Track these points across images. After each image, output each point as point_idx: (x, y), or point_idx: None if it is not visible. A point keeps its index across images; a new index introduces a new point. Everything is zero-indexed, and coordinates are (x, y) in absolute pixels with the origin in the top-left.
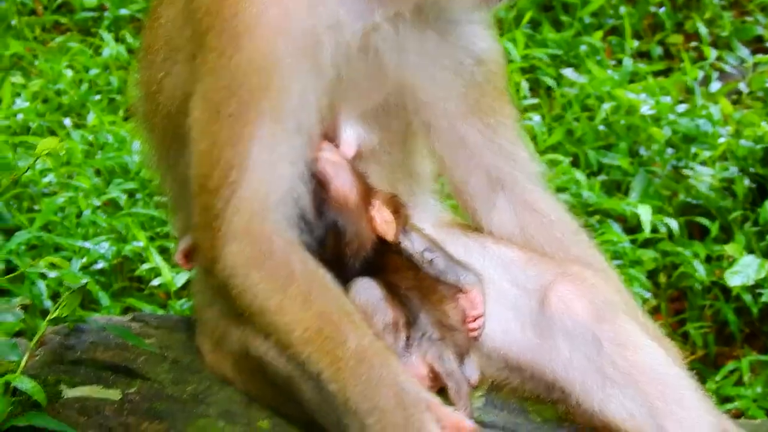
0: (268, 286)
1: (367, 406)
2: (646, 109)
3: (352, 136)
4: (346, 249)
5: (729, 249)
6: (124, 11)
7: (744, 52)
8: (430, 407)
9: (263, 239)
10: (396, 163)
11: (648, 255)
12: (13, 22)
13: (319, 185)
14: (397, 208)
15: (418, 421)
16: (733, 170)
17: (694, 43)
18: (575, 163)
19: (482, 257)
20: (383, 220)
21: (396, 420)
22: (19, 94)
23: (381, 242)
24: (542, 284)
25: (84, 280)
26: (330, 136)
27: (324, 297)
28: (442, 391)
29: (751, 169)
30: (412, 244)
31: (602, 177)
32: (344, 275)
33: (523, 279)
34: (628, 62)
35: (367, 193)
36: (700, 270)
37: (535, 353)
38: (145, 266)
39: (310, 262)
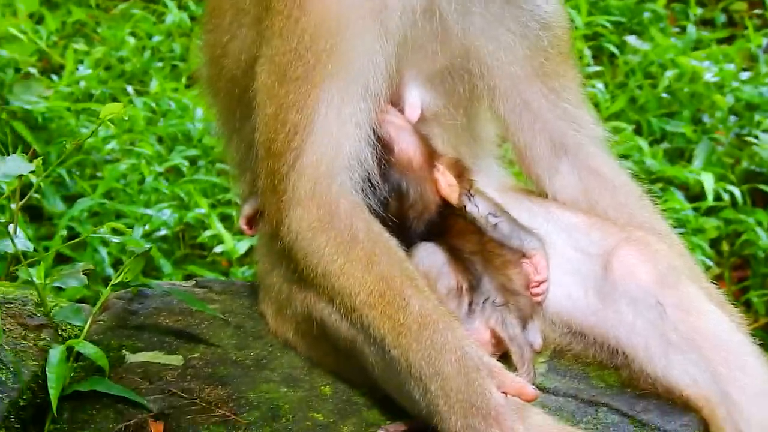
0: (332, 249)
1: (429, 372)
2: (709, 77)
3: (416, 99)
4: (409, 212)
5: None
6: None
7: None
8: (493, 373)
9: (328, 202)
10: (460, 127)
11: (711, 223)
12: None
13: (383, 149)
14: (460, 171)
15: (480, 387)
16: None
17: (758, 11)
18: (638, 131)
19: (546, 222)
20: (447, 184)
21: (458, 385)
22: (81, 61)
23: (445, 206)
24: (606, 249)
25: (147, 245)
26: (394, 100)
27: (387, 261)
28: (505, 357)
29: None
30: (477, 208)
31: (665, 144)
32: (408, 239)
33: (586, 244)
34: (691, 29)
35: (431, 157)
36: (764, 238)
37: (599, 318)
38: (207, 233)
39: (374, 226)
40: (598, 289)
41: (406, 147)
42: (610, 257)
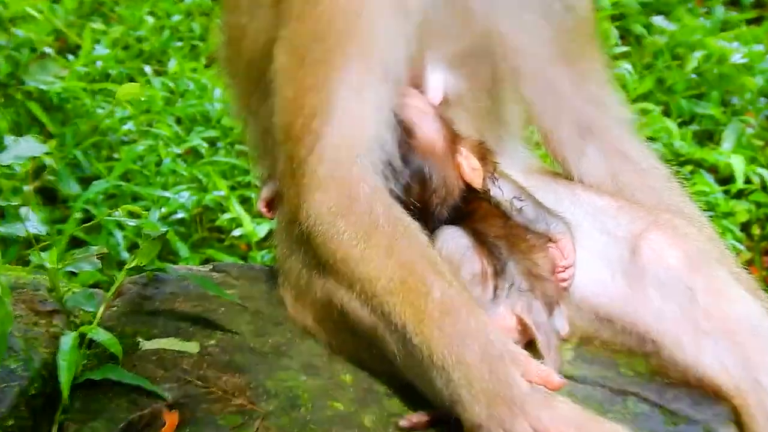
0: (351, 234)
1: (452, 360)
2: (737, 58)
3: (438, 82)
4: (432, 198)
5: None
6: None
7: None
8: (517, 361)
9: (348, 186)
10: (483, 110)
11: (741, 206)
12: None
13: (405, 132)
14: (484, 154)
15: (505, 375)
16: None
17: None
18: (666, 113)
19: (572, 205)
20: (470, 168)
21: (481, 374)
22: (98, 41)
23: (468, 190)
24: (634, 233)
25: (164, 229)
26: (416, 83)
27: (408, 246)
28: (530, 344)
29: None
30: (501, 192)
31: (694, 126)
32: (430, 224)
33: (614, 227)
34: (719, 10)
35: (454, 140)
36: None
37: (627, 304)
38: (226, 216)
39: (394, 210)
40: (626, 274)
41: (428, 132)
42: (638, 241)
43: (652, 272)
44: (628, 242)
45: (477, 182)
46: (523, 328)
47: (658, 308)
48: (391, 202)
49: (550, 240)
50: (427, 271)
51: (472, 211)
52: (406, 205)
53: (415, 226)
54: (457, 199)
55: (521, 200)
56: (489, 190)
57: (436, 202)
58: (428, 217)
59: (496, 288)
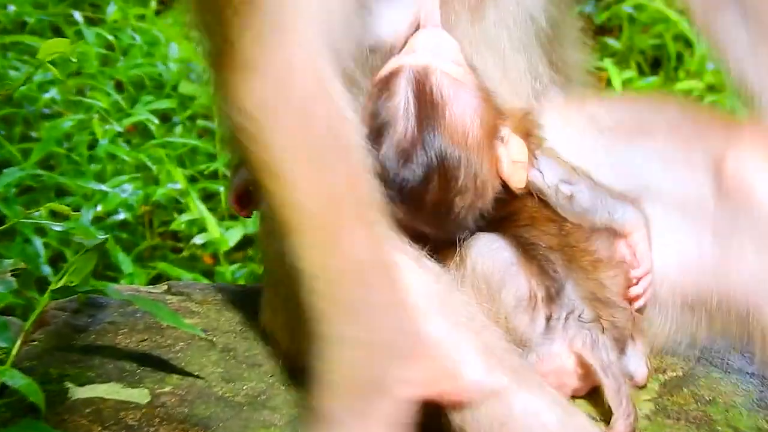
0: (282, 140)
1: None
2: None
3: None
4: (456, 199)
5: None
6: None
7: None
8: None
9: (288, 70)
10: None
11: None
12: None
13: (431, 109)
14: (529, 130)
15: None
16: None
17: None
18: None
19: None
20: (511, 161)
21: None
22: None
23: (506, 189)
24: (714, 153)
25: (101, 235)
26: None
27: (340, 165)
28: (595, 392)
29: None
30: (542, 175)
31: None
32: (455, 230)
33: (685, 155)
34: None
35: (495, 124)
36: None
37: (718, 269)
38: (185, 217)
39: (341, 117)
40: (714, 225)
41: (463, 111)
42: (720, 164)
43: (740, 204)
44: (709, 171)
45: (516, 181)
46: (585, 371)
47: (752, 266)
48: (342, 106)
49: (616, 233)
50: (347, 207)
51: (514, 212)
52: (423, 202)
53: (362, 145)
54: (488, 203)
55: (571, 185)
56: (533, 183)
57: (460, 206)
58: (451, 221)
59: (549, 317)
